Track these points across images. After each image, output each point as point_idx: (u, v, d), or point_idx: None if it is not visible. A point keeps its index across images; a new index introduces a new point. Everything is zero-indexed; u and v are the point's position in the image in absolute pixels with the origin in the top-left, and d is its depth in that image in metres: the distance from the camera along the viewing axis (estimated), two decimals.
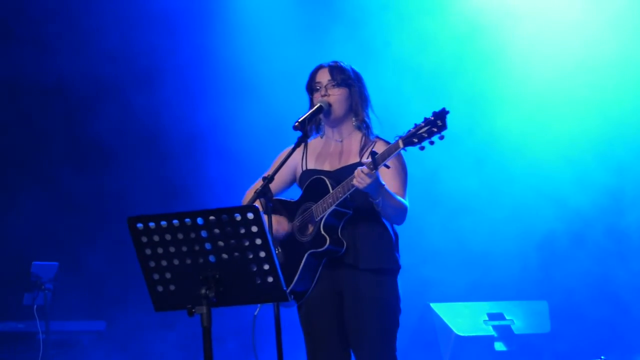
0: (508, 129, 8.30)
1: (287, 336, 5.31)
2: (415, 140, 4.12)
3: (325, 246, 4.35)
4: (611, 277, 8.03)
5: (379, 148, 4.36)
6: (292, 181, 4.75)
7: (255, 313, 4.35)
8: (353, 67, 4.66)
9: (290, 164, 4.66)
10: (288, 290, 4.35)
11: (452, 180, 8.27)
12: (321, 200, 4.40)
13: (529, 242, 8.22)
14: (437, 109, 4.12)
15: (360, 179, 4.18)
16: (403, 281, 4.55)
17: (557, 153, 8.28)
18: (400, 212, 4.43)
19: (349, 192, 4.29)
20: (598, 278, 8.04)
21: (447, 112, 4.10)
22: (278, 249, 4.51)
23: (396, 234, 4.56)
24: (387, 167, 4.25)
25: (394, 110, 7.36)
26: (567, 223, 8.19)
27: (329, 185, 4.40)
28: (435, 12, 8.40)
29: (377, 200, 4.29)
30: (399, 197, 4.40)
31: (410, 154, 4.28)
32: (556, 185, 8.27)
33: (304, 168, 4.65)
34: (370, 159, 4.18)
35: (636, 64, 8.19)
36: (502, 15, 8.38)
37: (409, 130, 4.14)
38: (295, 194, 4.66)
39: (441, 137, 4.11)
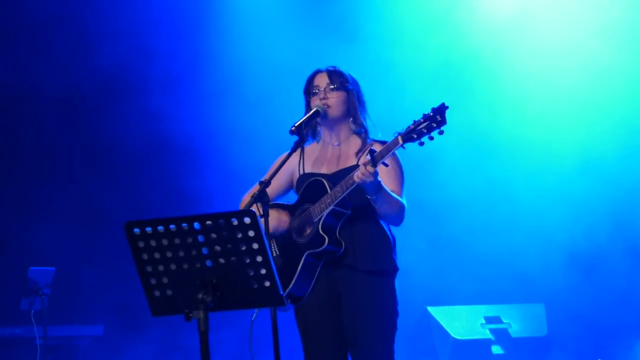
0: (517, 129, 8.35)
1: (284, 338, 5.33)
2: (415, 136, 4.12)
3: (324, 246, 4.35)
4: (609, 279, 8.04)
5: (375, 149, 4.37)
6: (290, 187, 4.75)
7: (253, 318, 4.35)
8: (350, 72, 4.69)
9: (287, 170, 4.67)
10: (285, 293, 4.36)
11: (447, 183, 8.29)
12: (320, 201, 4.39)
13: (526, 245, 8.22)
14: (435, 105, 4.13)
15: (363, 175, 4.17)
16: (400, 284, 4.56)
17: (557, 153, 8.32)
18: (398, 211, 4.43)
19: (348, 191, 4.29)
20: (595, 280, 8.05)
21: (447, 108, 4.10)
22: (275, 251, 4.51)
23: (393, 237, 4.57)
24: (386, 165, 4.26)
25: (398, 114, 7.41)
26: (565, 226, 8.20)
27: (327, 185, 4.41)
28: (438, 15, 8.44)
29: (374, 197, 4.30)
30: (396, 196, 4.41)
31: (419, 155, 4.27)
32: (557, 189, 8.29)
33: (301, 172, 4.65)
34: (369, 157, 4.19)
35: None
36: (515, 20, 8.43)
37: (408, 127, 4.14)
38: (292, 199, 4.67)
39: (441, 132, 4.11)
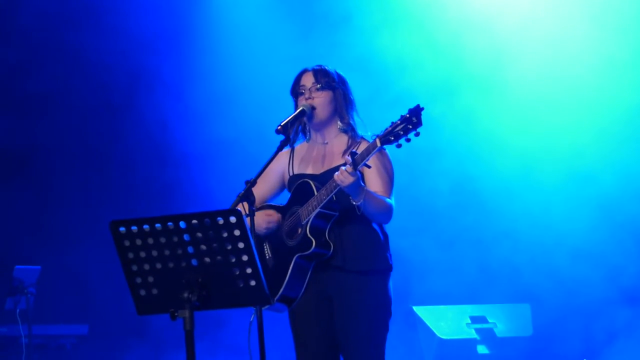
0: (491, 121, 8.36)
1: (278, 339, 5.34)
2: (392, 138, 4.12)
3: (312, 249, 4.35)
4: (594, 279, 8.05)
5: (362, 148, 4.39)
6: (282, 187, 4.75)
7: (251, 319, 4.33)
8: (338, 71, 4.68)
9: (278, 170, 4.68)
10: (279, 295, 4.37)
11: (434, 184, 8.29)
12: (307, 203, 4.40)
13: (512, 245, 8.23)
14: (411, 106, 4.14)
15: (343, 177, 4.17)
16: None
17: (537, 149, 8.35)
18: (385, 212, 4.43)
19: (332, 194, 4.29)
20: (580, 280, 8.06)
21: (422, 109, 4.10)
22: (268, 253, 4.52)
23: (385, 234, 4.56)
24: (368, 167, 4.26)
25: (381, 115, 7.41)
26: (551, 227, 8.20)
27: (314, 187, 4.41)
28: (422, 15, 8.44)
29: (358, 203, 4.30)
30: (382, 197, 4.41)
31: (410, 157, 4.26)
32: (544, 189, 8.29)
33: (291, 173, 4.66)
34: (350, 159, 4.19)
35: None
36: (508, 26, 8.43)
37: (386, 129, 4.15)
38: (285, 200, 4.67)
39: (417, 134, 4.11)
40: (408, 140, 4.13)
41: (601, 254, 8.05)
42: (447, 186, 8.33)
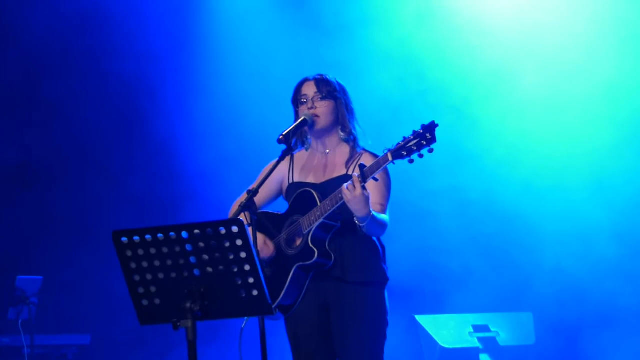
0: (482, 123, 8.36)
1: (275, 347, 5.34)
2: (405, 154, 4.11)
3: (314, 259, 4.35)
4: (596, 286, 8.04)
5: (366, 160, 4.38)
6: (279, 194, 4.75)
7: (242, 326, 4.35)
8: (338, 80, 4.69)
9: (277, 178, 4.67)
10: (275, 304, 4.36)
11: (437, 193, 8.28)
12: (309, 213, 4.39)
13: (515, 254, 8.22)
14: (425, 122, 4.13)
15: (350, 191, 4.15)
16: (388, 293, 4.55)
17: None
18: (382, 229, 4.45)
19: (337, 205, 4.28)
20: (583, 288, 8.06)
21: (437, 126, 4.10)
22: (264, 264, 4.51)
23: (383, 246, 4.57)
24: (376, 180, 4.25)
25: (381, 122, 7.42)
26: (553, 236, 8.19)
27: (317, 197, 4.40)
28: (422, 21, 8.44)
29: (363, 224, 4.27)
30: (382, 216, 4.40)
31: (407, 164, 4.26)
32: (547, 198, 8.28)
33: (291, 181, 4.66)
34: (358, 173, 4.18)
35: None
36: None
37: (398, 144, 4.14)
38: (281, 207, 4.66)
39: (430, 150, 4.11)
40: (421, 156, 4.12)
41: (606, 263, 8.03)
42: (452, 198, 8.30)
